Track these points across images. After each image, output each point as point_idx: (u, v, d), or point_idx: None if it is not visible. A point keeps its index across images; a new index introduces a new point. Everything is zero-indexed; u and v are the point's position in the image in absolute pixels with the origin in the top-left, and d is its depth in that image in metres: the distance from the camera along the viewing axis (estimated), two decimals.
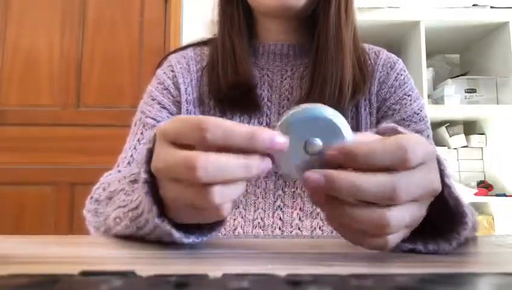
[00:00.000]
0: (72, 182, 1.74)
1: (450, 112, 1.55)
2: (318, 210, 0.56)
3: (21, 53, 1.81)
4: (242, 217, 0.57)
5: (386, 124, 0.34)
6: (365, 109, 0.61)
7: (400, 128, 0.33)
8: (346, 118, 0.40)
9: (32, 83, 1.80)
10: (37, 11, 1.83)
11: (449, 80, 1.63)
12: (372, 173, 0.27)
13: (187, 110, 0.61)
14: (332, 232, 0.56)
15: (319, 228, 0.56)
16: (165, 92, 0.62)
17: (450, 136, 1.69)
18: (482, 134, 1.70)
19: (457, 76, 1.69)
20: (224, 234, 0.56)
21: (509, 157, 1.56)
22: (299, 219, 0.57)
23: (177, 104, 0.62)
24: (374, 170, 0.27)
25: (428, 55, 1.58)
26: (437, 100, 1.61)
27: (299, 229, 0.56)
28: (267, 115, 0.61)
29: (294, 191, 0.57)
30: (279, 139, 0.27)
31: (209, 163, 0.26)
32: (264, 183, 0.58)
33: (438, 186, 0.30)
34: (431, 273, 0.20)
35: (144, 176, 0.31)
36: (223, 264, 0.28)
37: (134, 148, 0.59)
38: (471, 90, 1.62)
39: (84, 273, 0.20)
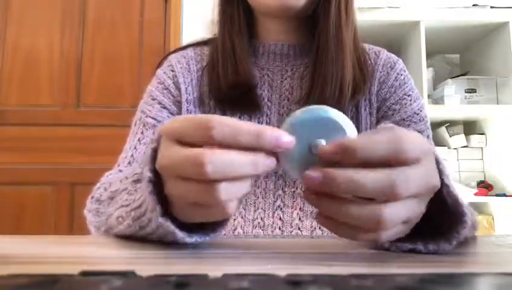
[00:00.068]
0: (72, 182, 1.74)
1: (450, 112, 1.55)
2: None
3: (21, 53, 1.81)
4: (242, 217, 0.57)
5: (385, 124, 0.35)
6: (365, 109, 0.61)
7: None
8: None
9: (32, 83, 1.80)
10: (37, 11, 1.83)
11: (449, 80, 1.63)
12: (371, 169, 0.27)
13: (187, 110, 0.61)
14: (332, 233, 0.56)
15: (319, 228, 0.56)
16: (165, 92, 0.62)
17: (450, 136, 1.69)
18: (482, 134, 1.70)
19: (457, 76, 1.69)
20: (224, 234, 0.56)
21: (509, 157, 1.56)
22: (299, 218, 0.57)
23: (178, 104, 0.62)
24: (372, 165, 0.27)
25: (428, 55, 1.58)
26: (437, 100, 1.61)
27: (299, 229, 0.56)
28: (267, 115, 0.61)
29: (294, 191, 0.57)
30: (285, 138, 0.28)
31: (216, 159, 0.26)
32: (264, 183, 0.58)
33: (436, 182, 0.30)
34: (431, 273, 0.20)
35: (148, 174, 0.31)
36: (223, 264, 0.28)
37: (135, 148, 0.59)
38: (471, 90, 1.62)
39: (84, 273, 0.20)
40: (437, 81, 1.70)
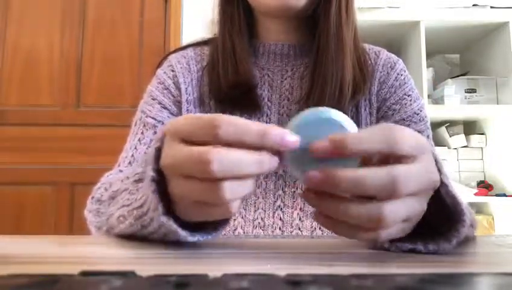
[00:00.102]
0: (72, 182, 1.74)
1: (450, 112, 1.55)
2: None
3: (21, 53, 1.81)
4: (242, 217, 0.57)
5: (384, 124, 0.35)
6: (365, 109, 0.61)
7: None
8: None
9: (32, 83, 1.80)
10: (37, 11, 1.83)
11: (449, 80, 1.63)
12: (370, 167, 0.27)
13: (187, 110, 0.61)
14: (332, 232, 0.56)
15: (319, 228, 0.56)
16: (165, 92, 0.62)
17: (450, 136, 1.69)
18: (482, 134, 1.70)
19: (457, 76, 1.69)
20: (225, 234, 0.56)
21: (509, 157, 1.56)
22: (299, 219, 0.57)
23: (178, 104, 0.62)
24: (371, 164, 0.28)
25: (428, 55, 1.58)
26: (437, 100, 1.61)
27: (299, 229, 0.56)
28: (267, 115, 0.61)
29: (294, 191, 0.57)
30: (290, 137, 0.28)
31: (222, 157, 0.27)
32: (264, 184, 0.58)
33: (436, 178, 0.30)
34: (431, 273, 0.20)
35: (151, 173, 0.32)
36: (223, 264, 0.28)
37: (135, 148, 0.59)
38: (471, 90, 1.62)
39: (84, 273, 0.20)
40: (437, 81, 1.70)
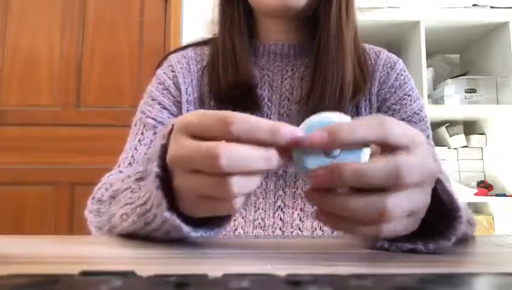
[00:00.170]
0: (72, 182, 1.74)
1: (450, 112, 1.55)
2: None
3: (21, 53, 1.81)
4: (243, 218, 0.57)
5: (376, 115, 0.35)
6: (365, 109, 0.61)
7: None
8: None
9: (32, 83, 1.80)
10: (37, 11, 1.83)
11: (449, 80, 1.63)
12: (375, 158, 0.28)
13: (187, 110, 0.61)
14: (332, 232, 0.56)
15: (320, 228, 0.56)
16: (165, 92, 0.62)
17: (450, 136, 1.69)
18: (482, 134, 1.70)
19: (457, 76, 1.69)
20: (225, 234, 0.56)
21: (509, 157, 1.56)
22: (300, 219, 0.57)
23: (178, 104, 0.62)
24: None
25: (428, 55, 1.58)
26: (437, 100, 1.61)
27: (299, 229, 0.56)
28: (267, 115, 0.61)
29: (294, 192, 0.57)
30: (300, 134, 0.28)
31: (231, 152, 0.27)
32: (264, 184, 0.58)
33: (436, 168, 0.30)
34: (431, 274, 0.20)
35: (156, 169, 0.32)
36: (223, 264, 0.28)
37: (135, 148, 0.59)
38: (471, 90, 1.62)
39: (84, 273, 0.20)
40: (437, 81, 1.70)
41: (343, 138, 0.27)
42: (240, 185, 0.28)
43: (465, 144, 1.69)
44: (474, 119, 1.72)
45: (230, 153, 0.27)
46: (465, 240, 0.38)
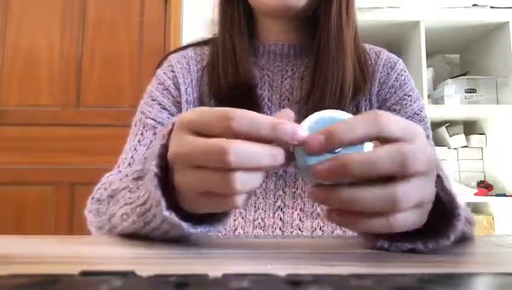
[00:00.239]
0: (72, 182, 1.74)
1: (450, 112, 1.55)
2: (318, 211, 0.56)
3: (21, 53, 1.81)
4: (242, 218, 0.57)
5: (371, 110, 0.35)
6: (365, 109, 0.61)
7: None
8: None
9: (32, 83, 1.80)
10: (37, 11, 1.83)
11: (449, 80, 1.63)
12: (378, 148, 0.28)
13: (187, 110, 0.61)
14: (332, 232, 0.56)
15: (320, 228, 0.56)
16: (165, 93, 0.62)
17: (450, 136, 1.69)
18: (482, 134, 1.70)
19: (457, 76, 1.69)
20: (225, 234, 0.56)
21: (509, 157, 1.56)
22: (300, 219, 0.57)
23: (177, 104, 0.62)
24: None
25: (428, 55, 1.58)
26: (437, 100, 1.61)
27: (299, 229, 0.56)
28: (267, 115, 0.61)
29: (294, 192, 0.57)
30: (301, 132, 0.28)
31: (239, 149, 0.27)
32: (264, 184, 0.58)
33: (436, 157, 0.30)
34: (430, 274, 0.20)
35: (154, 169, 0.32)
36: (223, 264, 0.28)
37: (135, 149, 0.59)
38: (471, 90, 1.62)
39: (84, 273, 0.20)
40: (437, 81, 1.70)
41: (342, 139, 0.27)
42: (243, 181, 0.28)
43: (465, 144, 1.69)
44: (474, 119, 1.72)
45: (238, 150, 0.27)
46: (465, 239, 0.38)
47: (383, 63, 0.63)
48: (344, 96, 0.57)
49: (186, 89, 0.62)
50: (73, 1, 1.84)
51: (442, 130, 1.71)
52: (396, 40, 1.72)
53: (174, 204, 0.33)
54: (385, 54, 0.65)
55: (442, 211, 0.32)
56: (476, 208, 1.70)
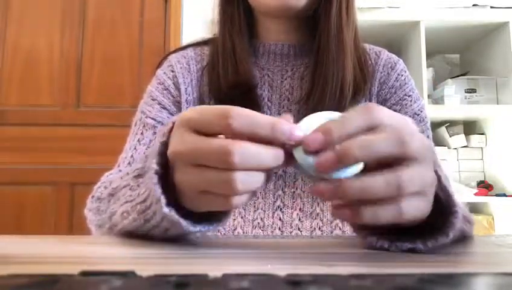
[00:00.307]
0: (72, 182, 1.74)
1: (450, 112, 1.55)
2: (318, 211, 0.56)
3: (21, 53, 1.81)
4: (242, 217, 0.57)
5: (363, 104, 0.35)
6: None
7: None
8: None
9: (32, 83, 1.80)
10: (37, 11, 1.83)
11: (449, 80, 1.63)
12: (376, 133, 0.28)
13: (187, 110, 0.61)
14: (331, 232, 0.56)
15: (319, 228, 0.56)
16: (165, 92, 0.62)
17: (450, 136, 1.69)
18: (482, 134, 1.70)
19: (457, 76, 1.69)
20: (224, 234, 0.56)
21: (509, 157, 1.56)
22: (299, 219, 0.57)
23: (177, 104, 0.62)
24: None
25: (428, 55, 1.58)
26: (437, 100, 1.61)
27: (298, 229, 0.56)
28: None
29: (294, 192, 0.57)
30: (298, 132, 0.29)
31: (244, 149, 0.27)
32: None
33: (432, 145, 0.31)
34: (430, 274, 0.20)
35: (155, 167, 0.32)
36: (223, 264, 0.28)
37: (135, 148, 0.59)
38: (471, 90, 1.62)
39: (84, 273, 0.20)
40: (437, 81, 1.70)
41: (338, 135, 0.28)
42: (244, 182, 0.28)
43: (465, 144, 1.69)
44: (474, 119, 1.72)
45: (242, 151, 0.27)
46: (464, 238, 0.38)
47: (383, 63, 0.63)
48: (344, 96, 0.57)
49: (186, 88, 0.62)
50: (73, 1, 1.84)
51: (442, 130, 1.71)
52: (396, 40, 1.72)
53: (174, 202, 0.33)
54: (385, 54, 0.65)
55: (440, 210, 0.32)
56: (476, 208, 1.70)
